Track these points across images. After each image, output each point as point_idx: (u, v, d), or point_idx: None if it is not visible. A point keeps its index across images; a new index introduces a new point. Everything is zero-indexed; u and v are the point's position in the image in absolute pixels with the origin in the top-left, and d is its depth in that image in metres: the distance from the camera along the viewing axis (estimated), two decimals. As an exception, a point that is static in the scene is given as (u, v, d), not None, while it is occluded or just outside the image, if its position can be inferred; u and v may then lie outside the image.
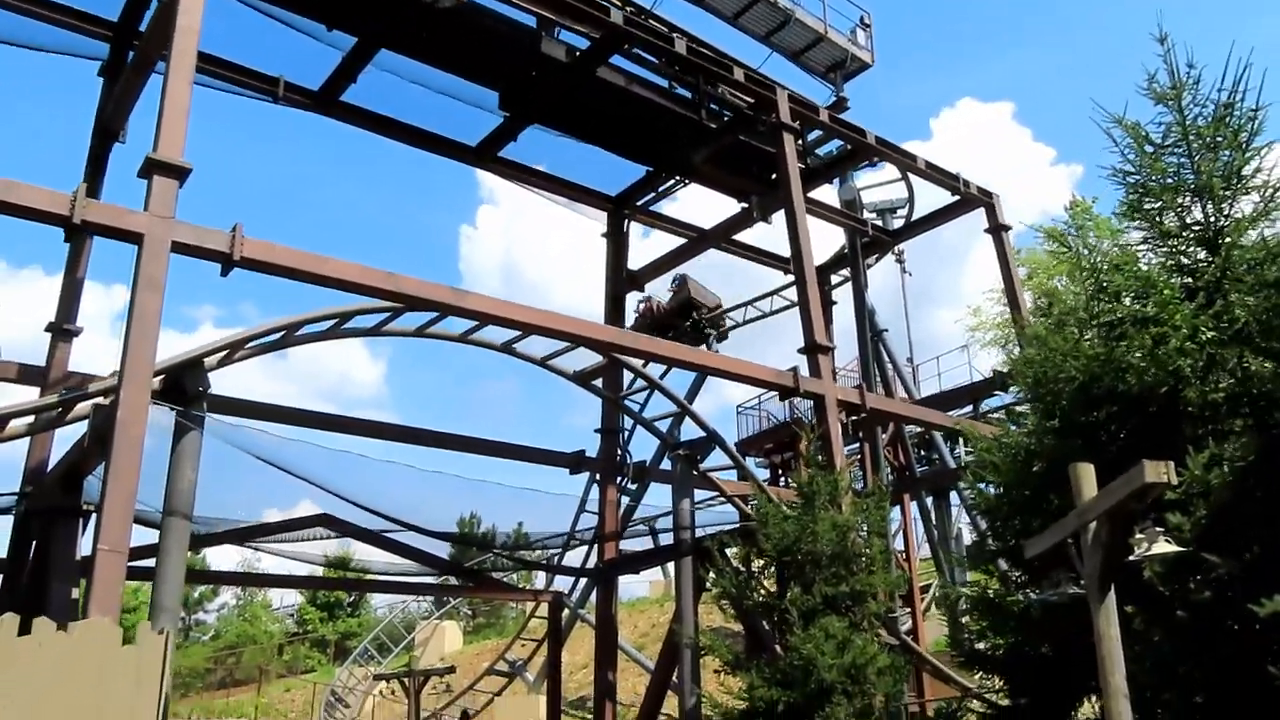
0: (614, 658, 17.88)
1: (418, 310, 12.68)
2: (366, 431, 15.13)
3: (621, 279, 18.16)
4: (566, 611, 29.59)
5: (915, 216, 21.31)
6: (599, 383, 16.63)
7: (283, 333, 12.34)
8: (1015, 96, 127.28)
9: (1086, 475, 7.05)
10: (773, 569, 13.28)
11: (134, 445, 8.51)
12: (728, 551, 14.01)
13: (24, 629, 6.35)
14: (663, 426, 18.61)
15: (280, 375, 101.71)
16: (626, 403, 18.09)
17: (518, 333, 14.22)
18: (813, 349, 14.46)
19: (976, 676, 12.06)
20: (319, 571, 18.78)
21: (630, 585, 44.85)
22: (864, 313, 21.36)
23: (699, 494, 16.45)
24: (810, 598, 11.79)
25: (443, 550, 18.06)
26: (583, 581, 29.82)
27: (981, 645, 10.54)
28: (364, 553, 18.67)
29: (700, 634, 13.31)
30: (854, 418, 14.82)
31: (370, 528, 15.57)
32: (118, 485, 8.33)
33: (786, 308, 27.73)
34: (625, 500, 18.91)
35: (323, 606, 49.61)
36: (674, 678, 15.30)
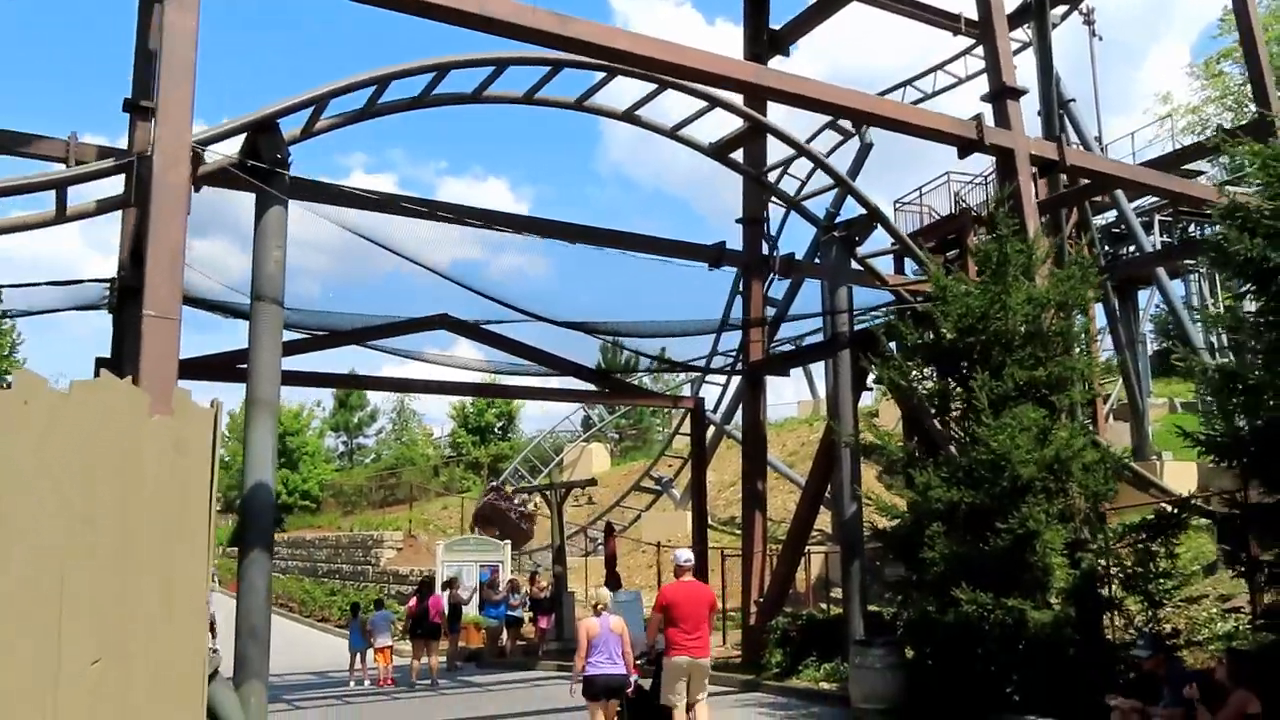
0: (763, 468, 16.42)
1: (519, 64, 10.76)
2: (483, 221, 13.51)
3: (762, 40, 15.54)
4: (711, 429, 28.63)
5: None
6: (739, 157, 14.40)
7: (372, 88, 10.62)
8: None
9: None
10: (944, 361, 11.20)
11: (175, 195, 7.10)
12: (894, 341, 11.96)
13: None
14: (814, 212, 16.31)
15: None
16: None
17: (641, 93, 12.15)
18: (1000, 93, 11.80)
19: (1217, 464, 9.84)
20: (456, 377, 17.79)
21: (778, 406, 43.58)
22: (1050, 74, 18.05)
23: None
24: (1000, 384, 9.72)
25: (582, 358, 16.76)
26: (728, 396, 28.63)
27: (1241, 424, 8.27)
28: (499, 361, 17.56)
29: (864, 429, 11.48)
30: (1050, 178, 12.19)
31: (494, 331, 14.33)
32: (160, 240, 6.98)
33: (951, 86, 24.39)
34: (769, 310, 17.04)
35: (474, 430, 50.64)
36: (829, 489, 13.77)
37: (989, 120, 11.70)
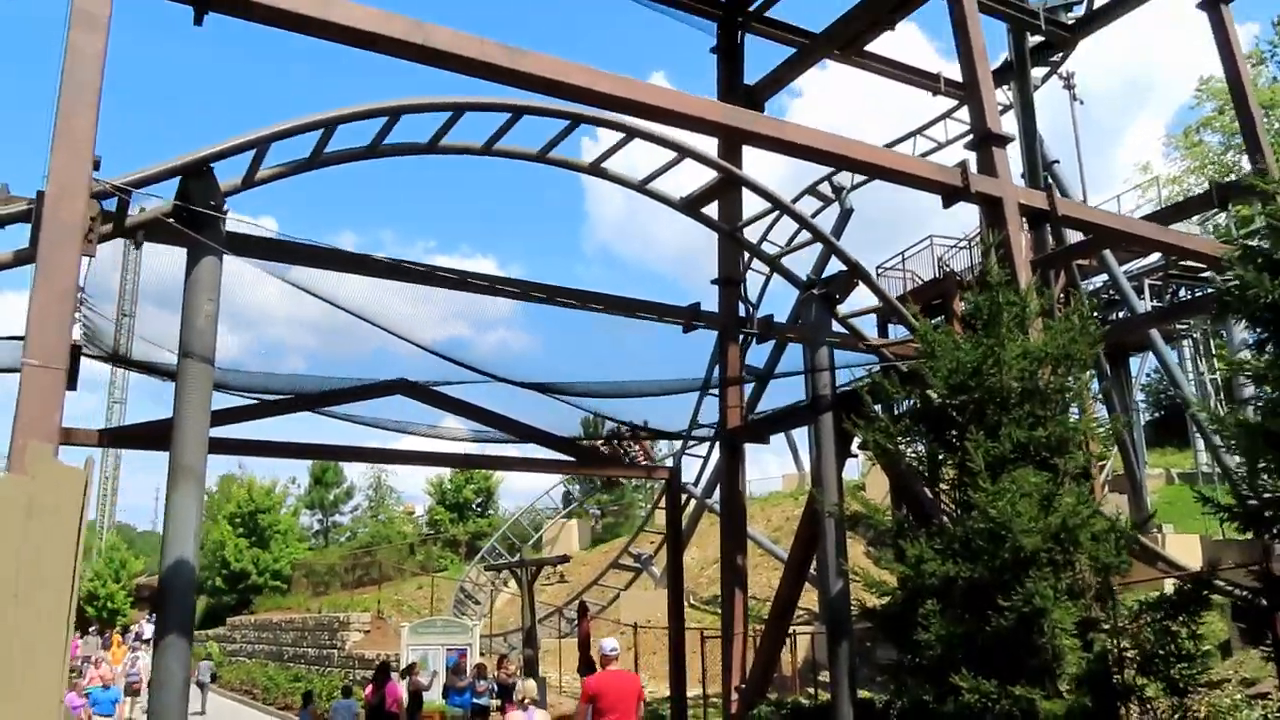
0: (743, 542, 15.45)
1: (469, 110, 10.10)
2: (456, 277, 12.60)
3: (737, 93, 15.04)
4: (692, 503, 27.59)
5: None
6: (714, 213, 13.74)
7: (318, 133, 9.90)
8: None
9: None
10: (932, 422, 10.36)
11: (67, 231, 6.28)
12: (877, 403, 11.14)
13: None
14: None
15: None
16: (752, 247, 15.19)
17: (605, 147, 11.54)
18: (986, 139, 11.22)
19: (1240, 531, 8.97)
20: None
21: (762, 481, 42.58)
22: (1034, 135, 17.66)
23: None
24: (997, 444, 8.87)
25: (560, 428, 15.85)
26: (709, 470, 27.69)
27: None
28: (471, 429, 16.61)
29: (849, 499, 10.57)
30: (1037, 239, 11.54)
31: (451, 395, 13.44)
32: (47, 281, 6.12)
33: (931, 150, 24.09)
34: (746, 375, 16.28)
35: (452, 507, 49.30)
36: (813, 564, 12.81)
37: (973, 169, 11.09)
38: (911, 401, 9.91)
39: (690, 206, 13.24)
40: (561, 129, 11.21)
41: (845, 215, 23.28)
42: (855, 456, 12.81)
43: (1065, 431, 9.24)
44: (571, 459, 14.96)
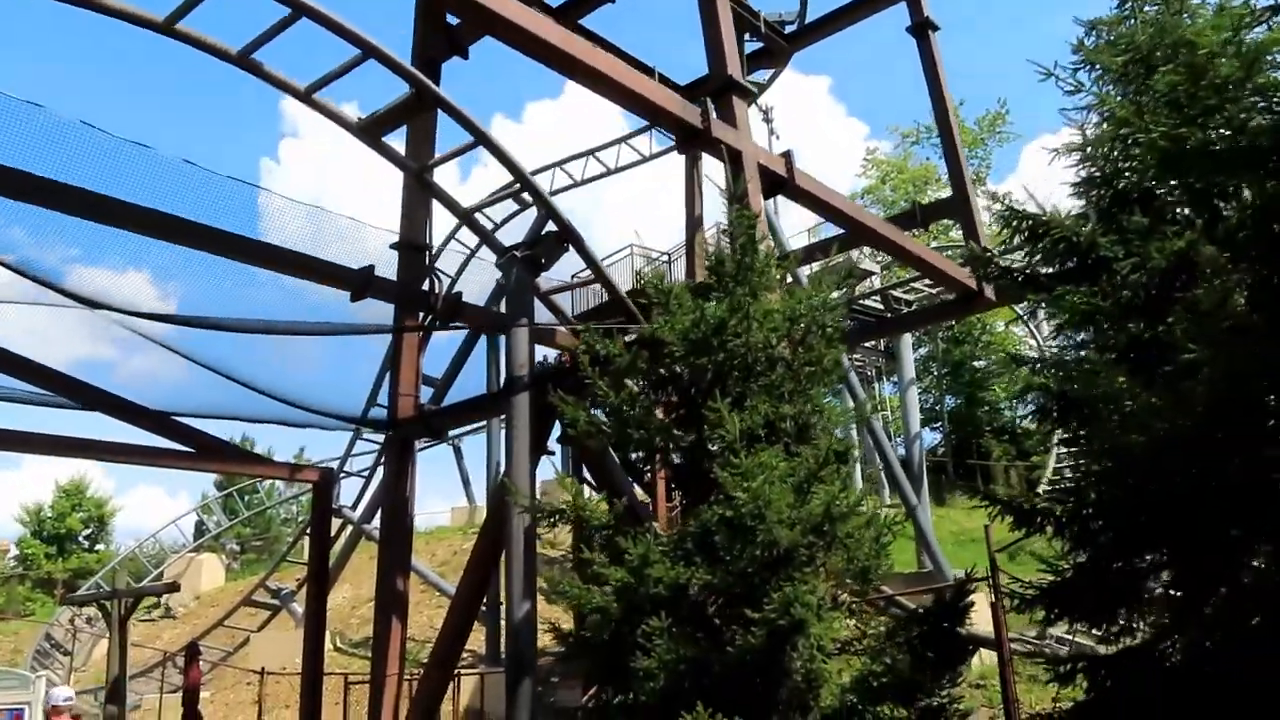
0: (406, 560, 12.61)
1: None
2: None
3: (439, 37, 12.51)
4: (348, 530, 24.13)
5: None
6: (398, 143, 11.13)
7: None
8: None
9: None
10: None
11: None
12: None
13: None
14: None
15: None
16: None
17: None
18: (727, 87, 9.66)
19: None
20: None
21: (431, 515, 39.33)
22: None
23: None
24: (745, 417, 7.06)
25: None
26: (370, 492, 24.38)
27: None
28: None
29: (559, 487, 8.32)
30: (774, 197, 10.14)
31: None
32: None
33: (636, 163, 22.97)
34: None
35: (50, 539, 41.16)
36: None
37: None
38: (639, 363, 7.89)
39: (368, 130, 10.59)
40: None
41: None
42: (552, 454, 10.63)
43: (816, 410, 7.65)
44: (190, 449, 11.48)
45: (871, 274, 23.34)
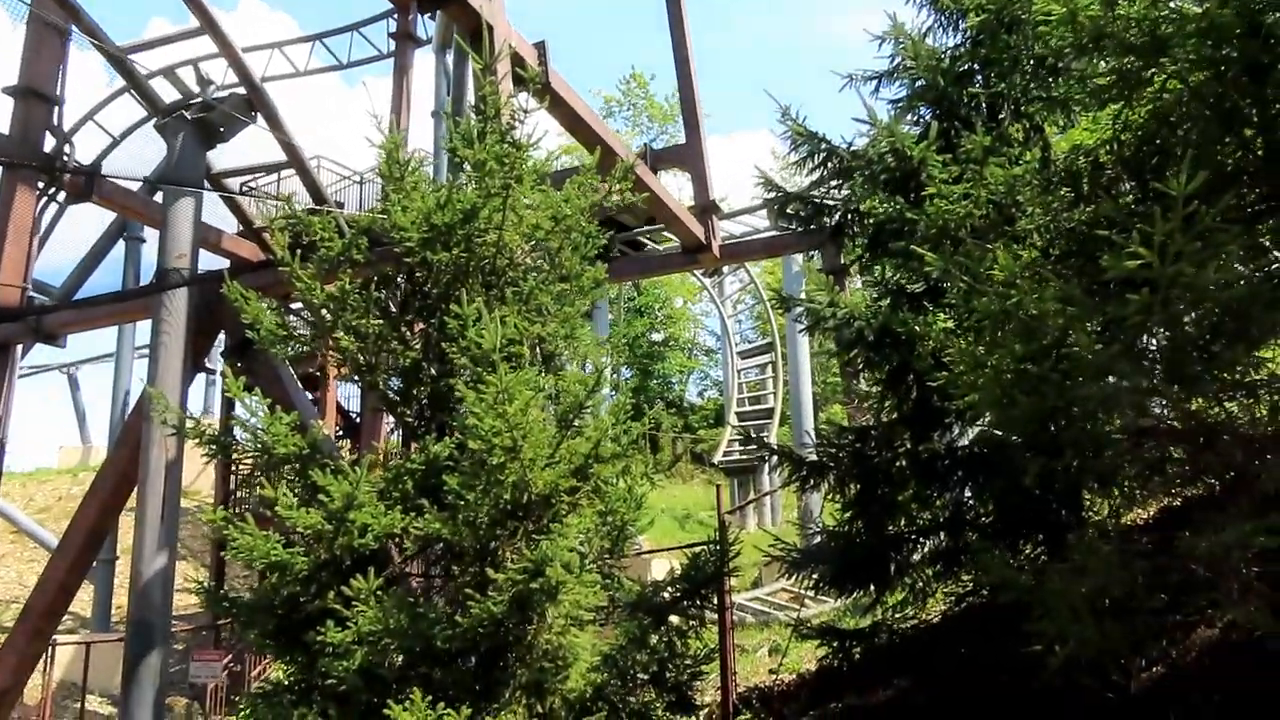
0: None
1: None
2: None
3: None
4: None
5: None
6: None
7: None
8: None
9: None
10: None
11: None
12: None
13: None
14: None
15: None
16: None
17: None
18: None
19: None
20: None
21: (28, 453, 33.36)
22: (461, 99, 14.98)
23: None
24: (498, 329, 5.59)
25: None
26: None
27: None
28: None
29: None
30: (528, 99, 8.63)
31: None
32: None
33: (375, 58, 19.97)
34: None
35: None
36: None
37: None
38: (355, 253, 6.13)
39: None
40: None
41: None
42: (212, 373, 8.47)
43: (568, 335, 6.36)
44: None
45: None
